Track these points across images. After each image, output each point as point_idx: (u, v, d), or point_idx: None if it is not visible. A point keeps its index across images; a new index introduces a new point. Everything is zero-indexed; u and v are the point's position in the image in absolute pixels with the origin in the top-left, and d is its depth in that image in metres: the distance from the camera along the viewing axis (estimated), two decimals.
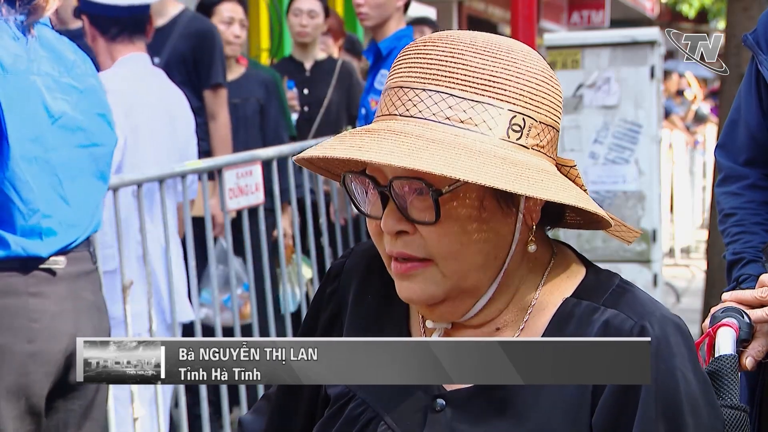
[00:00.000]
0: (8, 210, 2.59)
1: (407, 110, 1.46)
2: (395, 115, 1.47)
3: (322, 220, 5.08)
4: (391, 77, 1.51)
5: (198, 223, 4.29)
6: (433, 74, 1.46)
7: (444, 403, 1.51)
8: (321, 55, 5.93)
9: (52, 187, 2.65)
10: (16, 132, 2.56)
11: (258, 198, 4.46)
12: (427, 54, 1.48)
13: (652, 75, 5.79)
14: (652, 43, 5.80)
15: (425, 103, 1.45)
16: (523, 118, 1.46)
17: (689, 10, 20.36)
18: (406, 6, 4.85)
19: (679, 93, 13.81)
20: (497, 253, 1.49)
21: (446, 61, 1.46)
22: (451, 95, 1.45)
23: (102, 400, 2.85)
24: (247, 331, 4.57)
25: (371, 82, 4.84)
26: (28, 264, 2.62)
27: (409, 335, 1.60)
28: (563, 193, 1.44)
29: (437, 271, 1.48)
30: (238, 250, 4.46)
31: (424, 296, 1.50)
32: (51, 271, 2.67)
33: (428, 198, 1.44)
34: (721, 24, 18.40)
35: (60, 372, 2.67)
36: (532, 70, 1.48)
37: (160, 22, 4.75)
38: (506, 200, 1.47)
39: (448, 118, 1.44)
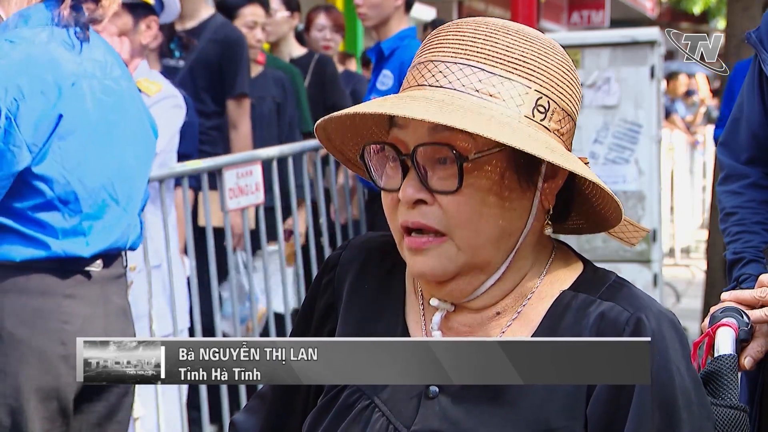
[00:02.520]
0: (50, 212, 2.59)
1: (437, 81, 1.48)
2: (424, 85, 1.49)
3: (323, 220, 5.08)
4: (422, 54, 1.53)
5: (214, 233, 4.28)
6: (465, 49, 1.48)
7: (438, 390, 1.52)
8: (297, 52, 5.87)
9: (104, 188, 2.66)
10: (65, 135, 2.57)
11: (258, 198, 4.46)
12: (459, 31, 1.50)
13: (652, 75, 5.79)
14: (652, 43, 5.80)
15: (455, 75, 1.47)
16: (548, 101, 1.48)
17: (693, 7, 20.30)
18: (409, 6, 4.84)
19: (689, 93, 13.76)
20: (512, 230, 1.50)
21: (478, 38, 1.48)
22: (482, 69, 1.47)
23: (128, 403, 2.84)
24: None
25: (374, 82, 4.84)
26: (67, 265, 2.63)
27: (406, 325, 1.61)
28: (586, 171, 1.46)
29: (452, 245, 1.48)
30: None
31: (438, 271, 1.50)
32: (87, 274, 2.67)
33: (451, 167, 1.45)
34: (722, 24, 18.40)
35: None
36: (558, 59, 1.51)
37: (189, 24, 4.77)
38: (526, 178, 1.49)
39: (477, 90, 1.46)
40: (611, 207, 1.52)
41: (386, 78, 4.73)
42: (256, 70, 5.23)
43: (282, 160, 4.71)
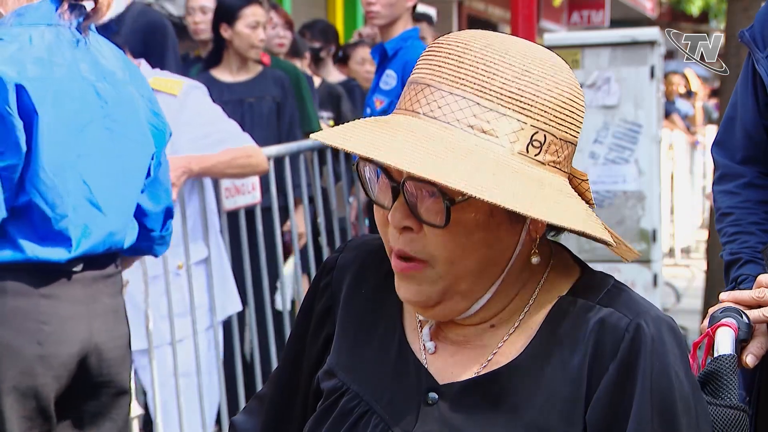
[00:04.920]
0: (32, 214, 2.57)
1: (431, 111, 1.46)
2: (419, 113, 1.47)
3: (321, 219, 5.07)
4: (419, 71, 1.50)
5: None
6: (463, 79, 1.45)
7: (437, 396, 1.52)
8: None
9: (82, 193, 2.63)
10: (48, 136, 2.55)
11: (255, 197, 4.45)
12: (459, 56, 1.47)
13: (652, 75, 5.79)
14: (652, 43, 5.80)
15: (450, 107, 1.45)
16: (545, 135, 1.46)
17: (692, 8, 20.29)
18: (414, 6, 4.86)
19: (688, 94, 13.77)
20: (497, 261, 1.50)
21: (478, 68, 1.45)
22: (478, 104, 1.44)
23: (123, 402, 2.81)
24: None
25: (377, 81, 4.84)
26: (43, 266, 2.60)
27: (403, 329, 1.60)
28: (572, 217, 1.44)
29: (433, 272, 1.48)
30: (236, 249, 4.45)
31: (421, 298, 1.50)
32: (67, 274, 2.64)
33: (440, 202, 1.44)
34: (722, 24, 18.40)
35: (72, 375, 2.64)
36: (560, 86, 1.47)
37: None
38: (516, 213, 1.46)
39: (471, 126, 1.44)
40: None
41: (389, 78, 4.73)
42: (255, 70, 5.22)
43: (279, 160, 4.70)
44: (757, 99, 2.22)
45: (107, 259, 2.74)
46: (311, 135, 1.55)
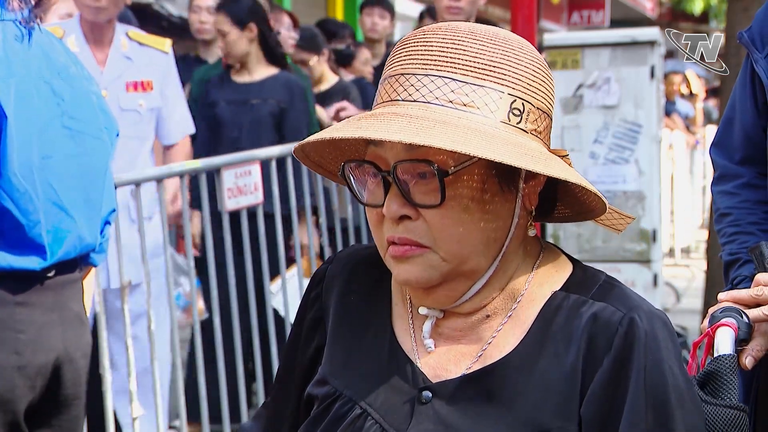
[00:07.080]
0: (3, 222, 2.43)
1: (410, 95, 1.47)
2: (397, 100, 1.48)
3: (322, 220, 5.07)
4: (391, 66, 1.52)
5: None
6: (435, 60, 1.47)
7: (430, 395, 1.52)
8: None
9: (50, 197, 2.50)
10: (15, 139, 2.42)
11: (257, 198, 4.45)
12: (427, 42, 1.49)
13: (652, 75, 5.79)
14: (652, 43, 5.80)
15: (428, 88, 1.47)
16: (522, 103, 1.48)
17: (694, 7, 20.26)
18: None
19: (691, 95, 13.76)
20: (497, 236, 1.50)
21: (447, 48, 1.48)
22: (453, 80, 1.46)
23: (81, 423, 2.70)
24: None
25: None
26: (17, 273, 2.47)
27: (394, 333, 1.60)
28: (566, 173, 1.46)
29: (436, 256, 1.49)
30: (238, 251, 4.45)
31: (423, 279, 1.50)
32: (40, 280, 2.52)
33: (432, 181, 1.45)
34: (722, 24, 18.39)
35: (45, 385, 2.53)
36: (528, 58, 1.51)
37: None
38: (507, 183, 1.49)
39: (450, 101, 1.46)
40: (594, 197, 1.52)
41: None
42: (268, 72, 5.23)
43: (281, 160, 4.69)
44: (756, 100, 2.22)
45: (75, 264, 2.62)
46: (294, 147, 1.55)
